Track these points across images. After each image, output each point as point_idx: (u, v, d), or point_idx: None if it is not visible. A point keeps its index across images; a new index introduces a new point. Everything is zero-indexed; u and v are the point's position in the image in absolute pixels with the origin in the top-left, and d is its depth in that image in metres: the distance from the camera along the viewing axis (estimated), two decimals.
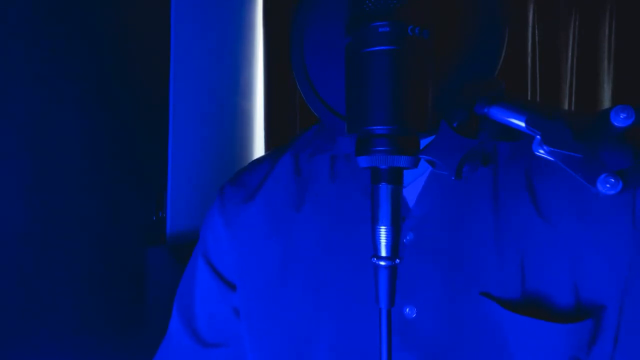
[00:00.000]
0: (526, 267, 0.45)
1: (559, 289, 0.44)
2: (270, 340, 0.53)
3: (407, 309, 0.46)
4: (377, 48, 0.32)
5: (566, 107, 1.82)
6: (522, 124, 0.34)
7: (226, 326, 0.59)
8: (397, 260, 0.35)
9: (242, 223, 0.57)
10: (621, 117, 0.30)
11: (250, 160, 0.67)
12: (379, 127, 0.33)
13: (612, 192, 0.30)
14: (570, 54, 1.82)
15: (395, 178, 0.35)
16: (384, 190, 0.34)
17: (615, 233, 0.44)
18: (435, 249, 0.47)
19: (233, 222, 0.58)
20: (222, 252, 0.59)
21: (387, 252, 0.35)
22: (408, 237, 0.48)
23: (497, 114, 0.36)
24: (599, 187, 0.30)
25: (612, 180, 0.30)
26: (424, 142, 0.36)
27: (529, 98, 1.78)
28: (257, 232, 0.56)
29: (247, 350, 0.56)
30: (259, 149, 1.60)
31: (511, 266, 0.45)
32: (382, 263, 0.35)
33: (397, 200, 0.35)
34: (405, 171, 0.35)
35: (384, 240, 0.35)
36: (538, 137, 0.33)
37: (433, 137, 0.36)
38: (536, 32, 1.78)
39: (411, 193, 0.50)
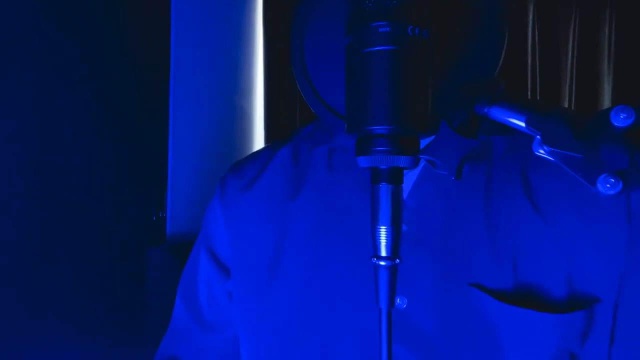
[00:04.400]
0: (518, 259, 0.45)
1: (551, 280, 0.44)
2: (261, 326, 0.53)
3: (398, 300, 0.47)
4: (377, 48, 0.32)
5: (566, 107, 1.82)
6: (522, 124, 0.34)
7: (226, 311, 0.60)
8: (397, 260, 0.35)
9: (239, 211, 0.58)
10: (621, 117, 0.30)
11: None
12: (379, 127, 0.33)
13: (612, 192, 0.30)
14: (570, 54, 1.82)
15: (396, 178, 0.35)
16: (384, 190, 0.35)
17: (609, 228, 0.44)
18: (428, 241, 0.47)
19: (231, 209, 0.58)
20: (221, 239, 0.60)
21: (387, 252, 0.35)
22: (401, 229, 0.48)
23: (497, 114, 0.36)
24: (599, 187, 0.30)
25: (612, 180, 0.30)
26: (424, 142, 0.36)
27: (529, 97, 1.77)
28: (253, 220, 0.56)
29: (240, 335, 0.57)
30: (258, 148, 1.59)
31: (503, 258, 0.45)
32: (382, 263, 0.35)
33: (397, 200, 0.35)
34: None
35: (384, 240, 0.35)
36: (538, 137, 0.33)
37: (433, 137, 0.36)
38: (536, 32, 1.78)
39: (405, 185, 0.50)
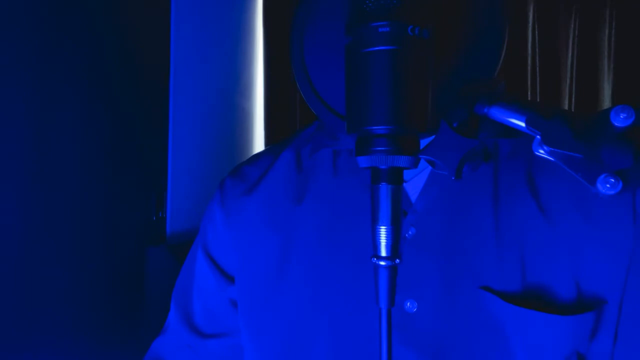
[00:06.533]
0: (526, 261, 0.45)
1: (559, 282, 0.44)
2: (268, 333, 0.53)
3: (408, 304, 0.47)
4: (377, 48, 0.32)
5: (566, 107, 1.82)
6: (522, 124, 0.34)
7: (224, 318, 0.60)
8: (397, 260, 0.35)
9: (241, 216, 0.57)
10: (621, 117, 0.30)
11: None
12: (378, 127, 0.33)
13: (612, 192, 0.30)
14: (570, 54, 1.82)
15: (395, 178, 0.35)
16: (384, 190, 0.35)
17: (615, 228, 0.44)
18: (437, 244, 0.47)
19: (233, 215, 0.58)
20: (222, 245, 0.59)
21: (387, 252, 0.35)
22: (410, 232, 0.48)
23: (497, 114, 0.36)
24: (599, 187, 0.30)
25: (612, 180, 0.30)
26: (424, 142, 0.36)
27: (529, 98, 1.78)
28: (257, 225, 0.56)
29: (245, 343, 0.56)
30: (259, 149, 1.59)
31: (511, 260, 0.45)
32: (382, 263, 0.35)
33: (397, 200, 0.35)
34: None
35: (384, 240, 0.35)
36: (538, 137, 0.33)
37: (433, 137, 0.36)
38: (536, 32, 1.78)
39: (413, 188, 0.50)
